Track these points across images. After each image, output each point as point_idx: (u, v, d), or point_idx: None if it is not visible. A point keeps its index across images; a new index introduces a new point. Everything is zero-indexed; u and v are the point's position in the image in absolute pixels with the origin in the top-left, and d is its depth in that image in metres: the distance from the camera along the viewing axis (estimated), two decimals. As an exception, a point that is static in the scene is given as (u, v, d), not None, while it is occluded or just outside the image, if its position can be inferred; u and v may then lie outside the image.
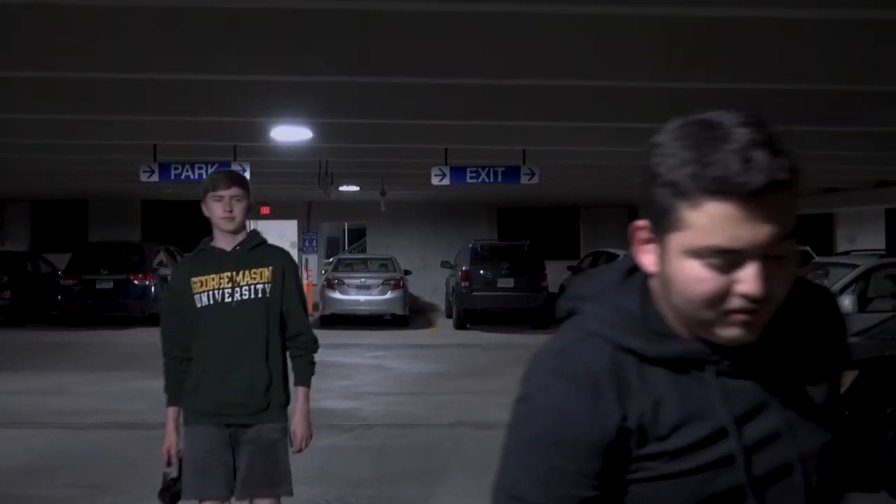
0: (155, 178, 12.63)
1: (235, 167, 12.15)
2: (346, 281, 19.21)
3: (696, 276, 1.21)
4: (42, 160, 13.63)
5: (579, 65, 6.58)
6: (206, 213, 3.89)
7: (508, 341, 16.76)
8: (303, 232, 24.95)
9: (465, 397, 10.59)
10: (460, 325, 19.04)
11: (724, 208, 1.17)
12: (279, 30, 5.99)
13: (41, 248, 23.49)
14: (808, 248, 18.85)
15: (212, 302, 3.80)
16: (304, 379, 3.98)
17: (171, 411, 3.90)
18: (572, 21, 6.22)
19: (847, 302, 8.83)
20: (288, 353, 3.95)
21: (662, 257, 1.26)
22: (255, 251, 3.91)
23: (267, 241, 4.03)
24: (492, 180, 12.72)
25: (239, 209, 3.82)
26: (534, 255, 19.36)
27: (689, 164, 1.19)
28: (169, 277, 4.22)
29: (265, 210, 24.57)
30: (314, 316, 20.87)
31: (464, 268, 18.92)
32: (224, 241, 3.89)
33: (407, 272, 20.36)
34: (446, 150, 12.14)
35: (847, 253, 15.66)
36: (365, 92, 8.16)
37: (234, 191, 3.82)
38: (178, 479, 3.85)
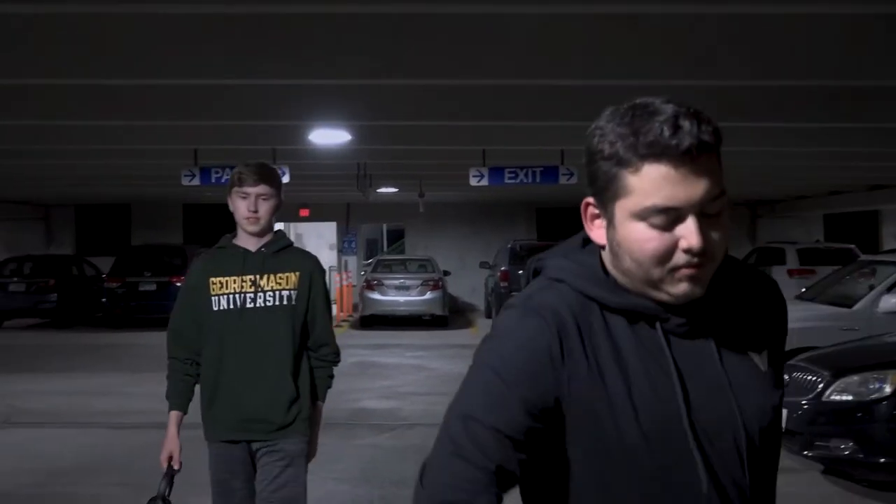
0: (196, 181, 12.77)
1: (275, 170, 12.28)
2: (386, 282, 19.28)
3: (643, 237, 1.36)
4: (86, 166, 13.85)
5: (620, 64, 6.56)
6: (231, 208, 3.54)
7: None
8: (342, 233, 25.07)
9: (504, 397, 10.57)
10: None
11: (660, 170, 1.32)
12: (320, 34, 6.04)
13: (86, 251, 23.89)
14: (853, 246, 18.59)
15: (231, 306, 3.46)
16: (321, 393, 3.69)
17: (174, 415, 3.57)
18: (611, 21, 6.21)
19: (895, 301, 8.70)
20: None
21: (611, 225, 1.40)
22: (282, 254, 3.56)
23: (293, 244, 3.68)
24: (530, 181, 12.69)
25: (265, 209, 3.47)
26: (573, 255, 19.21)
27: (626, 137, 1.35)
28: (186, 273, 3.80)
29: (304, 212, 24.76)
30: (354, 317, 21.01)
31: (503, 268, 18.91)
32: (248, 241, 3.55)
33: (446, 273, 20.39)
34: (484, 150, 12.15)
35: (894, 251, 15.40)
36: (403, 94, 8.19)
37: (262, 188, 3.45)
38: (169, 491, 3.55)
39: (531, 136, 10.63)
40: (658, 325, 1.41)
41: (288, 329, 3.50)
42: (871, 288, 9.41)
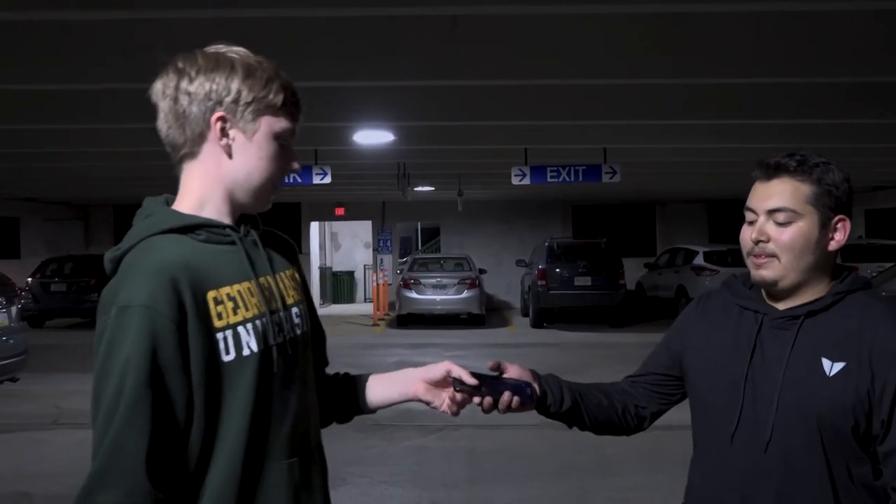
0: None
1: (317, 171, 12.31)
2: (423, 280, 19.28)
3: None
4: (125, 167, 13.97)
5: (663, 63, 6.51)
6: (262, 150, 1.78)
7: (587, 340, 16.65)
8: (377, 232, 25.12)
9: (548, 398, 10.53)
10: (537, 323, 18.97)
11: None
12: (371, 36, 6.03)
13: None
14: (896, 242, 18.30)
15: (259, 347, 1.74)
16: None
17: None
18: (654, 19, 6.16)
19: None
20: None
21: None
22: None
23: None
24: (572, 179, 12.62)
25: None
26: (611, 253, 19.17)
27: None
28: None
29: (340, 211, 24.82)
30: (391, 315, 21.04)
31: (540, 266, 18.83)
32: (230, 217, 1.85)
33: (482, 271, 20.35)
34: (526, 149, 12.10)
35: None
36: (448, 94, 8.18)
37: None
38: None
39: (574, 135, 10.58)
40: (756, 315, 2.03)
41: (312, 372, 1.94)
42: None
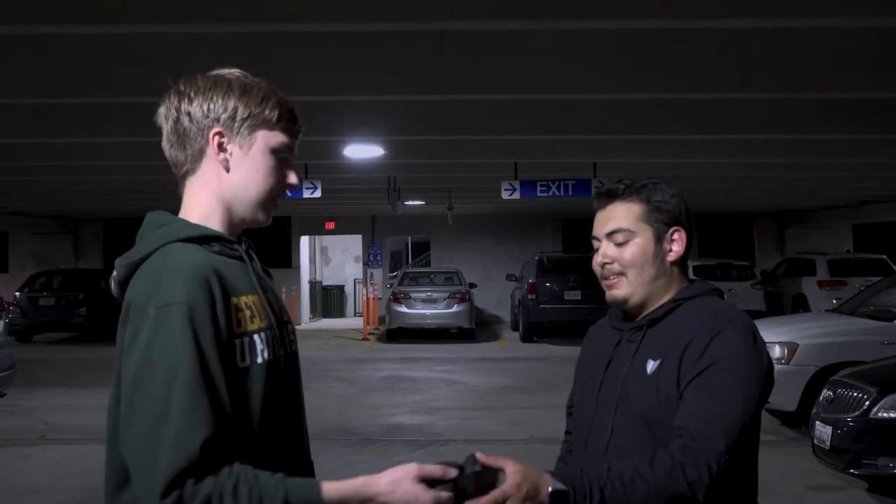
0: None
1: (307, 185, 12.31)
2: (413, 294, 19.27)
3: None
4: (114, 181, 13.94)
5: (651, 78, 6.55)
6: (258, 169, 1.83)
7: (577, 354, 16.60)
8: (367, 246, 25.11)
9: (537, 412, 10.53)
10: (527, 337, 18.96)
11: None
12: (360, 51, 6.05)
13: (113, 265, 24.00)
14: (885, 256, 18.41)
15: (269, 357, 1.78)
16: None
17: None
18: (646, 34, 6.20)
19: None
20: None
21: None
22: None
23: None
24: (562, 193, 12.64)
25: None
26: (600, 267, 19.15)
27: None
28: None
29: (330, 225, 24.80)
30: (380, 330, 21.01)
31: (530, 280, 18.83)
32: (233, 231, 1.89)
33: (472, 285, 20.35)
34: (516, 164, 12.13)
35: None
36: (438, 109, 8.20)
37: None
38: None
39: (563, 150, 10.61)
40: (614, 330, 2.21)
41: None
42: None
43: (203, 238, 1.73)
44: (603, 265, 2.12)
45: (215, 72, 1.82)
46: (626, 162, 11.86)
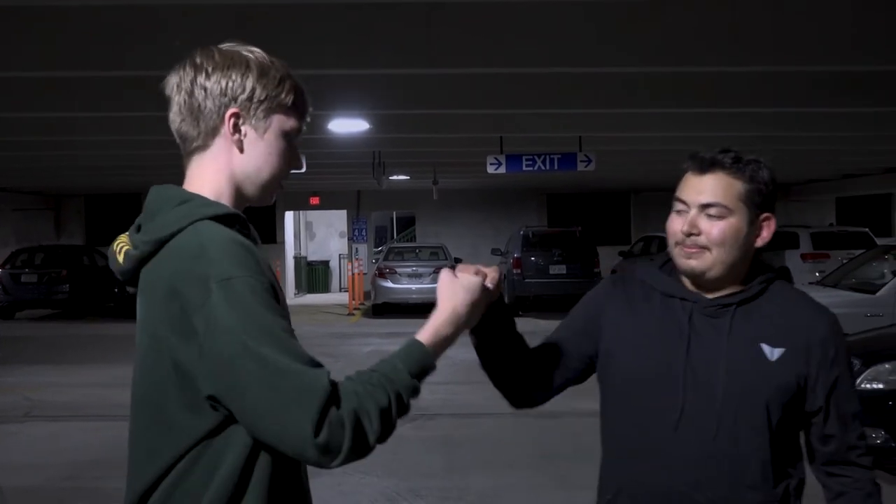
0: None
1: (291, 159, 12.24)
2: (398, 270, 19.26)
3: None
4: (96, 156, 13.83)
5: (637, 52, 6.53)
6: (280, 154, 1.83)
7: (562, 328, 16.68)
8: (352, 221, 25.04)
9: (524, 386, 10.55)
10: (512, 311, 18.97)
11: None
12: (346, 23, 5.99)
13: (96, 241, 23.88)
14: (867, 229, 18.50)
15: None
16: None
17: None
18: (629, 8, 6.18)
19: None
20: None
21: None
22: None
23: None
24: (548, 168, 12.63)
25: None
26: (585, 242, 19.24)
27: None
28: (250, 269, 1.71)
29: (315, 200, 24.72)
30: (366, 305, 20.99)
31: (515, 255, 18.85)
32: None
33: (457, 260, 20.34)
34: (501, 138, 12.09)
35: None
36: (423, 83, 8.16)
37: None
38: None
39: (549, 124, 10.59)
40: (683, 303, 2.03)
41: None
42: (895, 274, 9.34)
43: (228, 217, 1.72)
44: (689, 234, 1.98)
45: (232, 47, 1.77)
46: (611, 136, 11.86)
